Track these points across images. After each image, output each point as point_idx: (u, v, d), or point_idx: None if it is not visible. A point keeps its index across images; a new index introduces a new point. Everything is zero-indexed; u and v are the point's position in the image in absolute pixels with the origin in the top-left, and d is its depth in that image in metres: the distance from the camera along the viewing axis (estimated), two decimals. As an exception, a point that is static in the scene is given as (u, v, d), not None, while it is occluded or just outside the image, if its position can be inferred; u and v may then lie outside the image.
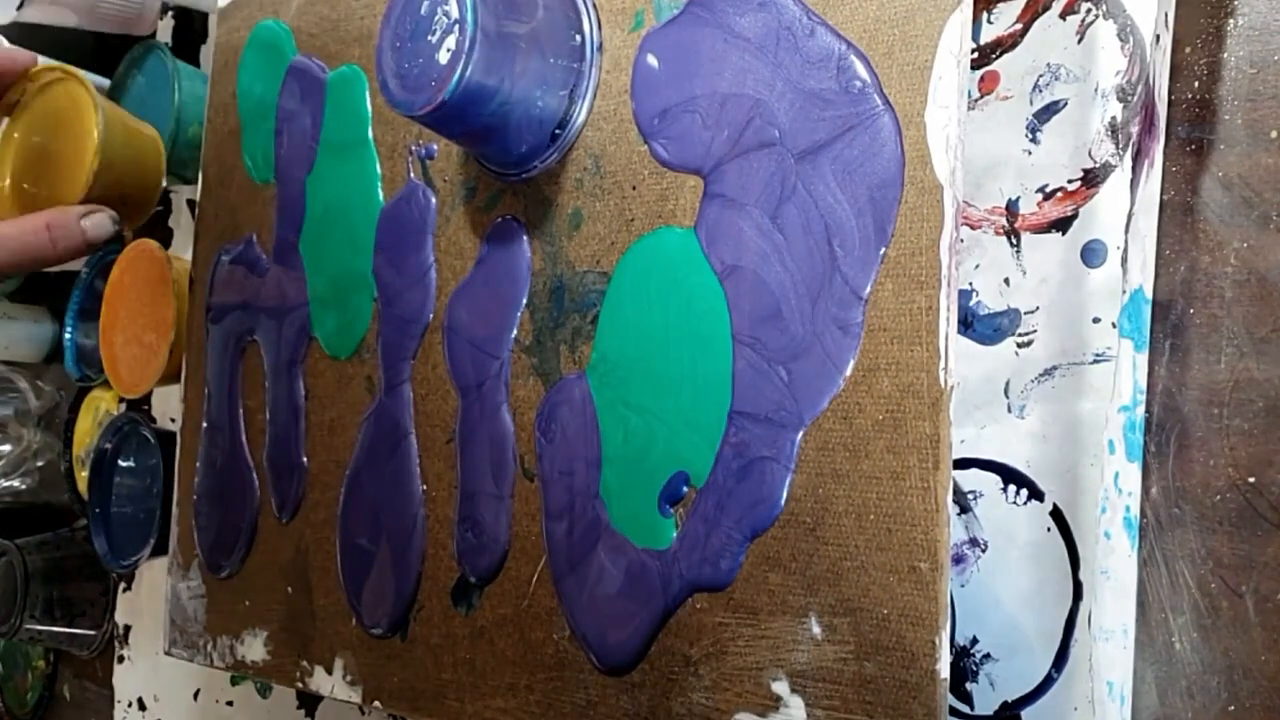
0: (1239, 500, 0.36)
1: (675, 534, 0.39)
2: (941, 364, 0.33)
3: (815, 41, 0.37)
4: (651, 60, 0.41)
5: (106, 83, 0.75)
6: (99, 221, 0.50)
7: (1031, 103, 0.40)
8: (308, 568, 0.54)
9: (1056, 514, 0.39)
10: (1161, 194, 0.38)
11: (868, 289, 0.35)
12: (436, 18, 0.40)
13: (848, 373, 0.35)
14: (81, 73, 0.55)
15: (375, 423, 0.51)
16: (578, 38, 0.43)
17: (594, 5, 0.43)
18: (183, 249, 0.74)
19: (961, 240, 0.41)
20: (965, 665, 0.40)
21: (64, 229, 0.48)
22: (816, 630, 0.35)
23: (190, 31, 0.77)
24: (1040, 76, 0.40)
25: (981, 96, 0.41)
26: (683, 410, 0.39)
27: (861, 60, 0.35)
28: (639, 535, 0.40)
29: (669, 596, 0.39)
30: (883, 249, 0.34)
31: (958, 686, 0.40)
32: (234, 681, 0.71)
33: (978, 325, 0.41)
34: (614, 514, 0.41)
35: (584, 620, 0.42)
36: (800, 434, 0.36)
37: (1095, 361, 0.38)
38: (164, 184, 0.61)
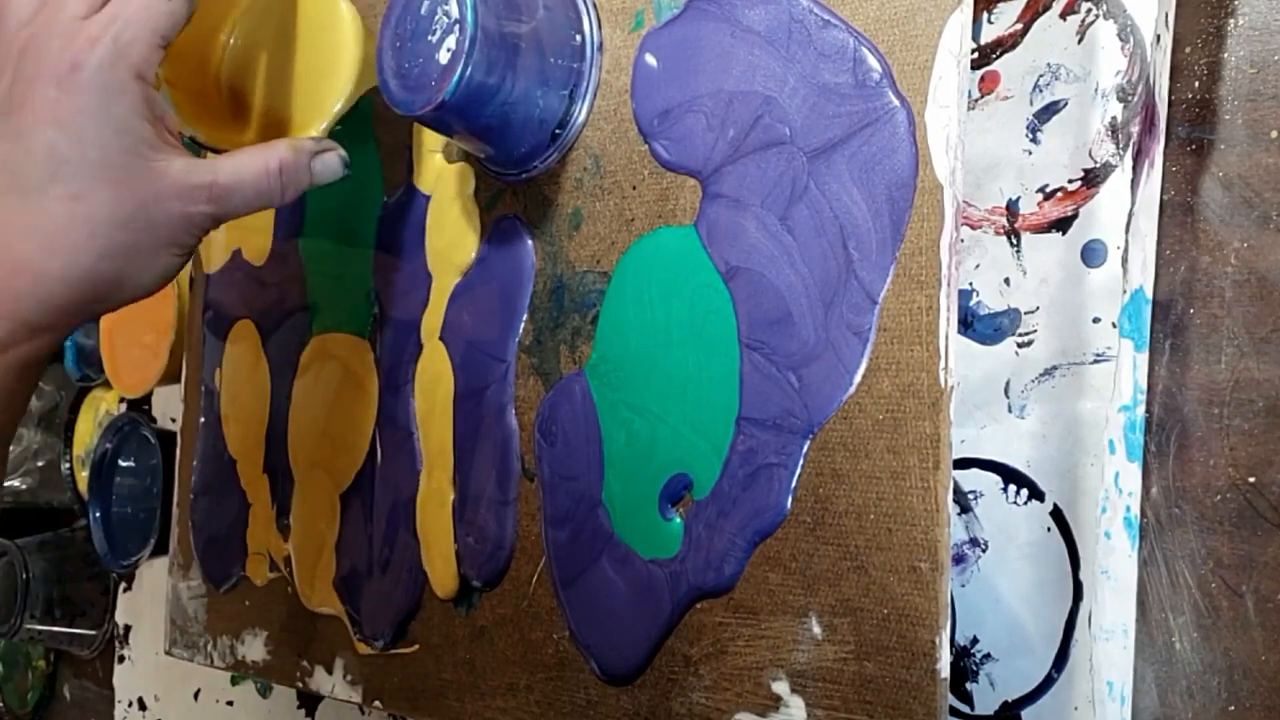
0: (1239, 500, 0.36)
1: (681, 541, 0.39)
2: (941, 364, 0.33)
3: (829, 34, 0.36)
4: (651, 60, 0.41)
5: None
6: (329, 164, 0.42)
7: (1031, 103, 0.40)
8: (308, 568, 0.54)
9: (1056, 514, 0.39)
10: (1161, 194, 0.38)
11: (882, 293, 0.34)
12: (437, 17, 0.40)
13: (858, 378, 0.35)
14: None
15: (377, 424, 0.51)
16: (578, 38, 0.43)
17: (594, 5, 0.43)
18: (183, 249, 0.74)
19: (961, 240, 0.41)
20: (965, 665, 0.40)
21: (295, 173, 0.40)
22: (816, 630, 0.35)
23: (190, 31, 0.77)
24: (1040, 76, 0.40)
25: (981, 96, 0.41)
26: (687, 413, 0.39)
27: (874, 54, 0.35)
28: (645, 545, 0.40)
29: (675, 605, 0.39)
30: (897, 251, 0.34)
31: (958, 686, 0.40)
32: (234, 681, 0.71)
33: (978, 325, 0.41)
34: (617, 522, 0.41)
35: (587, 630, 0.41)
36: (810, 440, 0.36)
37: (1095, 361, 0.38)
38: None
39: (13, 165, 0.36)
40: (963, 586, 0.40)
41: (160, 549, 0.71)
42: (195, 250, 0.40)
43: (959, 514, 0.41)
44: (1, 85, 0.37)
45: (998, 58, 0.41)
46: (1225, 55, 0.38)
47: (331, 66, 0.42)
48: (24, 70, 0.37)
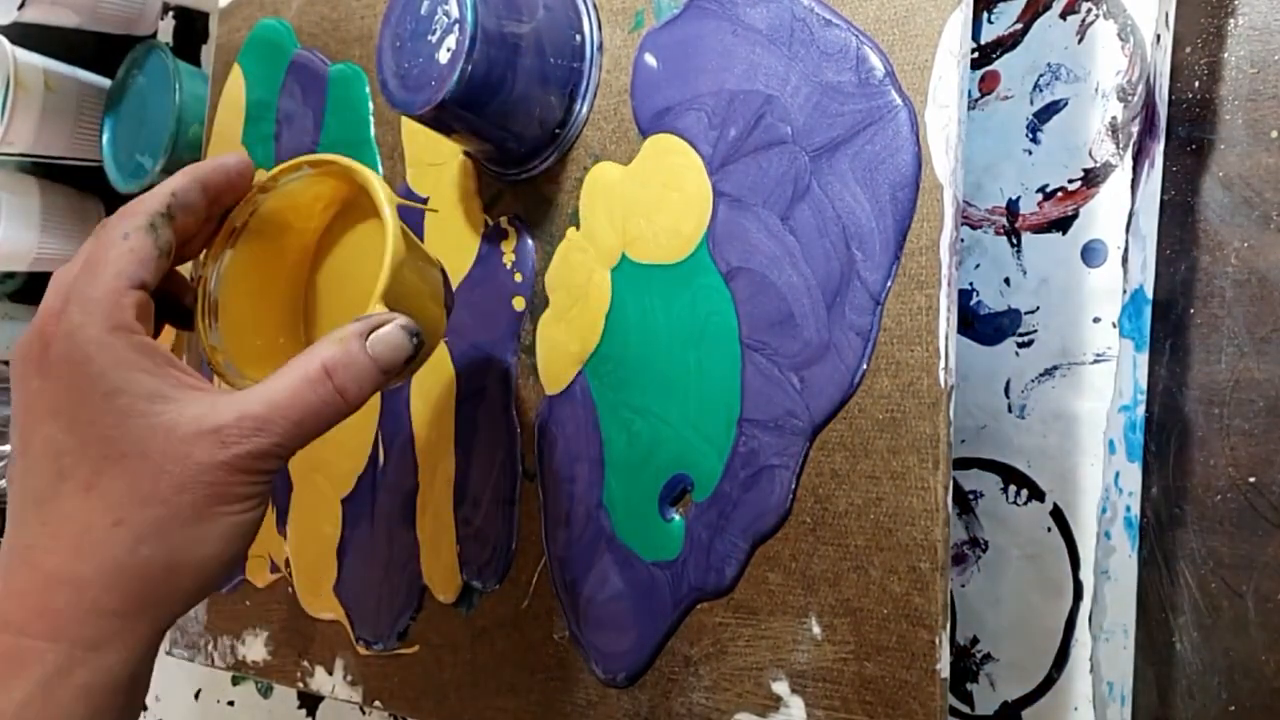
0: (1239, 500, 0.36)
1: (682, 543, 0.39)
2: (941, 364, 0.33)
3: (831, 33, 0.36)
4: (651, 60, 0.41)
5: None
6: (389, 338, 0.33)
7: (1032, 103, 0.40)
8: (308, 568, 0.54)
9: (1056, 514, 0.39)
10: (1162, 194, 0.38)
11: (885, 294, 0.34)
12: (436, 17, 0.40)
13: (859, 378, 0.35)
14: (350, 163, 0.38)
15: (378, 426, 0.51)
16: (578, 37, 0.43)
17: (594, 5, 0.43)
18: (183, 249, 0.74)
19: (962, 240, 0.41)
20: (965, 665, 0.40)
21: (351, 368, 0.33)
22: (816, 630, 0.35)
23: (191, 31, 0.77)
24: (1040, 76, 0.40)
25: (982, 96, 0.41)
26: (688, 415, 0.39)
27: (877, 52, 0.35)
28: (646, 547, 0.40)
29: (676, 607, 0.39)
30: (900, 251, 0.34)
31: (958, 686, 0.40)
32: (235, 681, 0.71)
33: (978, 325, 0.41)
34: (618, 523, 0.41)
35: (589, 635, 0.41)
36: (811, 441, 0.36)
37: (1095, 361, 0.38)
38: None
39: (26, 475, 0.32)
40: (963, 586, 0.40)
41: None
42: (266, 496, 0.33)
43: (959, 514, 0.41)
44: (19, 395, 0.33)
45: (998, 58, 0.41)
46: (1225, 55, 0.38)
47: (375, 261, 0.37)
48: (19, 370, 0.33)
